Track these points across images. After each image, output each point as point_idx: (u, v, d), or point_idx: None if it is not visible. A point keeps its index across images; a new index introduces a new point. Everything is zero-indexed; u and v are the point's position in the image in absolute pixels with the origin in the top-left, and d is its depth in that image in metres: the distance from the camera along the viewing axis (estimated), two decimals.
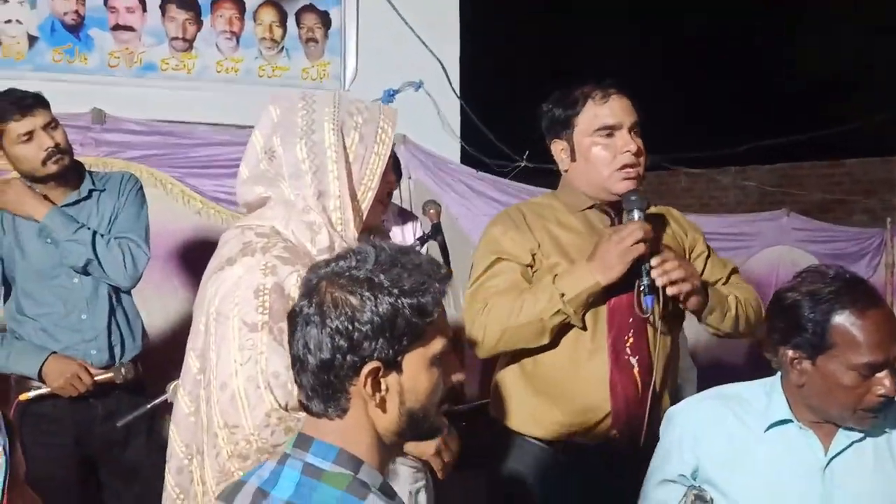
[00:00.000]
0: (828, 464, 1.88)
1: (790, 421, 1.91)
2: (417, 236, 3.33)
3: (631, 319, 2.35)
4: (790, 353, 1.85)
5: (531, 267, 2.39)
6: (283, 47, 4.64)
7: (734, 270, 2.57)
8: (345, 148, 1.84)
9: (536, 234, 2.41)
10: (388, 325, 1.30)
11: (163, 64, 4.43)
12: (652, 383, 2.34)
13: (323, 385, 1.33)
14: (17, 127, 2.83)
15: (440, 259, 3.31)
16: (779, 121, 9.31)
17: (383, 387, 1.32)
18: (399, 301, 1.31)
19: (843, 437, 1.89)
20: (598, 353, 2.35)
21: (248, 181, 1.90)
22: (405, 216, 3.57)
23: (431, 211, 3.37)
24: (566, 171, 2.46)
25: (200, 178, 4.04)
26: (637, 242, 2.25)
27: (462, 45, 5.04)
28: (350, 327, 1.29)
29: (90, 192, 3.00)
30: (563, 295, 2.26)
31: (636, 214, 2.31)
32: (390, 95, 4.74)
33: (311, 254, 1.80)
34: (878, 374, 1.79)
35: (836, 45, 9.98)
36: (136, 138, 3.95)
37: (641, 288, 2.28)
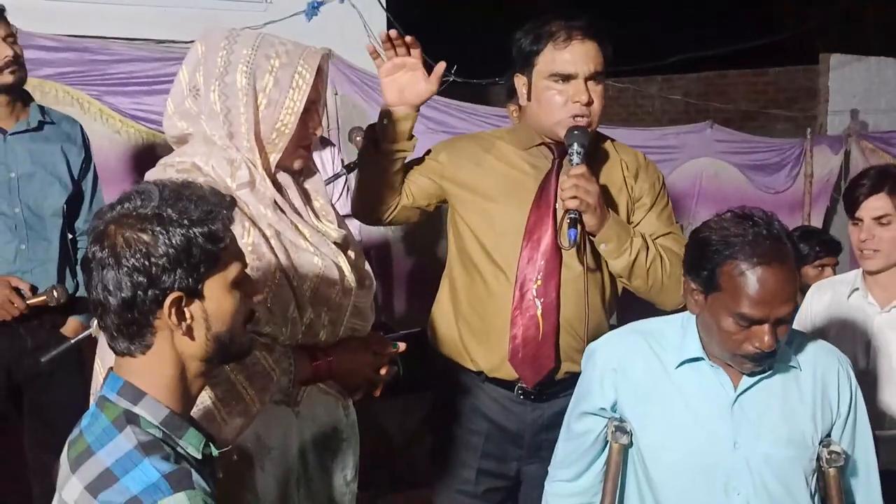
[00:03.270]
0: (736, 399, 1.94)
1: (701, 359, 1.96)
2: (344, 164, 3.29)
3: (543, 262, 2.33)
4: (692, 283, 1.92)
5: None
6: None
7: (671, 233, 2.45)
8: (256, 91, 1.83)
9: (464, 162, 2.43)
10: (183, 256, 1.36)
11: None
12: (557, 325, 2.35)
13: (127, 324, 1.38)
14: None
15: None
16: (707, 29, 9.33)
17: (188, 315, 1.39)
18: (190, 231, 1.37)
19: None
20: (508, 290, 2.37)
21: (174, 116, 1.91)
22: (327, 144, 3.51)
23: (358, 138, 3.32)
24: (524, 106, 2.42)
25: (118, 97, 3.93)
26: None
27: None
28: (147, 263, 1.35)
29: (40, 123, 3.00)
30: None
31: (576, 149, 2.27)
32: (314, 8, 4.61)
33: (230, 189, 1.81)
34: (757, 328, 1.83)
35: None
36: (49, 55, 3.80)
37: (568, 219, 2.25)
